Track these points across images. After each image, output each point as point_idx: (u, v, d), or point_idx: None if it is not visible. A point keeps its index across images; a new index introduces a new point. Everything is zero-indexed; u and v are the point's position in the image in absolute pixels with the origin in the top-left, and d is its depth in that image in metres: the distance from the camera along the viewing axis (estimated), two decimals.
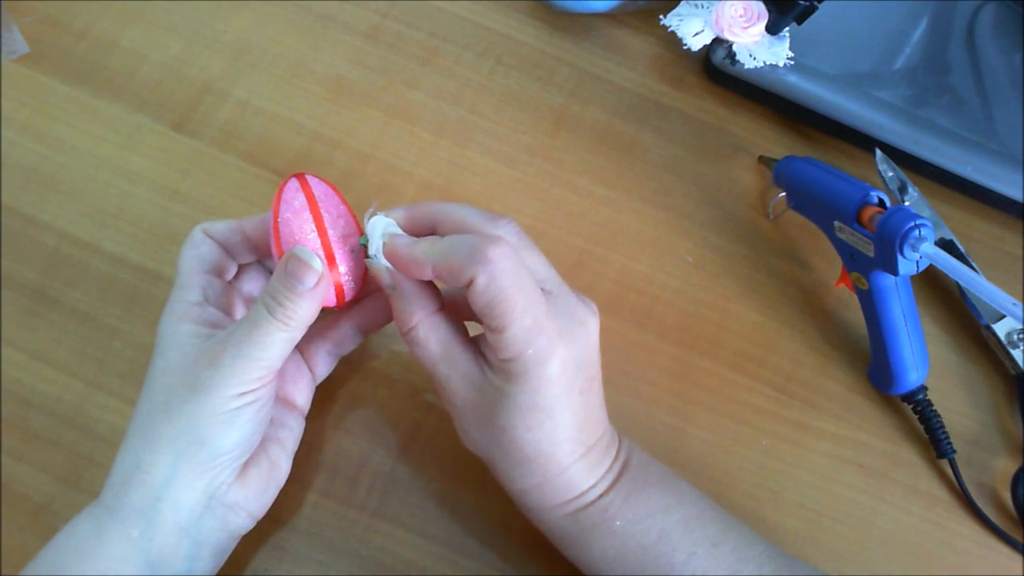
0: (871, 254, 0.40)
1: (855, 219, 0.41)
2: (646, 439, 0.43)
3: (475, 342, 0.35)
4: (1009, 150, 0.47)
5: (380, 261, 0.35)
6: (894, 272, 0.40)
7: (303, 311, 0.33)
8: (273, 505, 0.37)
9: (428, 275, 0.33)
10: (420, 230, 0.35)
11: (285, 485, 0.37)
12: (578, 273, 0.46)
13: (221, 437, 0.33)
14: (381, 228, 0.35)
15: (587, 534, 0.35)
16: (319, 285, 0.34)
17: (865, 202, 0.41)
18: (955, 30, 0.51)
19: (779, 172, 0.47)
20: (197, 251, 0.37)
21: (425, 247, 0.33)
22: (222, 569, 0.36)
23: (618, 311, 0.46)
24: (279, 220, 0.35)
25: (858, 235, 0.41)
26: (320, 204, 0.36)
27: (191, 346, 0.34)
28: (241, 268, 0.40)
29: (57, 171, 0.46)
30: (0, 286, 0.44)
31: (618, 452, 0.36)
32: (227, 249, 0.38)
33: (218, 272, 0.38)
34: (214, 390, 0.32)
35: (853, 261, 0.42)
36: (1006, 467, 0.44)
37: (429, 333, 0.34)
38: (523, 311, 0.31)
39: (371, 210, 0.36)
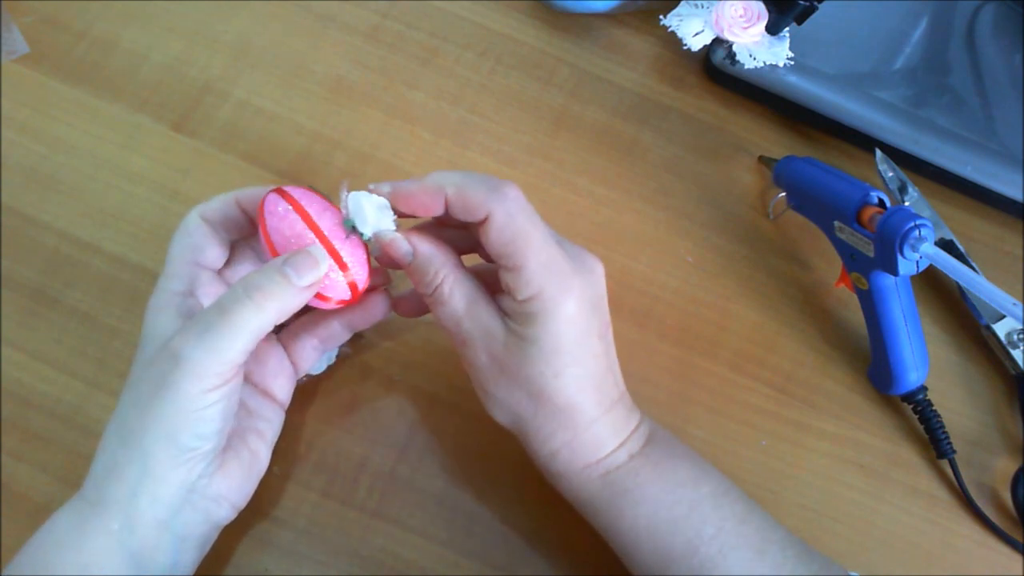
0: (871, 254, 0.40)
1: (855, 219, 0.41)
2: None
3: (494, 300, 0.35)
4: (1009, 150, 0.47)
5: (387, 234, 0.35)
6: (894, 272, 0.40)
7: (289, 301, 0.33)
8: (273, 504, 0.37)
9: (439, 208, 0.34)
10: (417, 206, 0.35)
11: (285, 485, 0.38)
12: None
13: (187, 433, 0.32)
14: (374, 204, 0.34)
15: (619, 500, 0.35)
16: (313, 285, 0.33)
17: (865, 202, 0.41)
18: (955, 30, 0.51)
19: (779, 172, 0.47)
20: (190, 240, 0.36)
21: (438, 177, 0.34)
22: (223, 569, 0.36)
23: (618, 311, 0.46)
24: (268, 231, 0.35)
25: (858, 235, 0.41)
26: (303, 203, 0.35)
27: (164, 339, 0.33)
28: (231, 257, 0.39)
29: (57, 171, 0.46)
30: (0, 286, 0.44)
31: (640, 420, 0.37)
32: (224, 226, 0.37)
33: (209, 263, 0.37)
34: (179, 387, 0.31)
35: (853, 261, 0.42)
36: (1006, 467, 0.44)
37: (454, 289, 0.34)
38: (539, 248, 0.32)
39: (344, 190, 0.35)
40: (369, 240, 0.35)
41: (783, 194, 0.46)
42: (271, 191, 0.36)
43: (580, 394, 0.34)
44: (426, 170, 0.47)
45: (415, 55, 0.50)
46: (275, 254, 0.34)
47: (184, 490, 0.33)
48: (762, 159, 0.49)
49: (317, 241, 0.34)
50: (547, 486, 0.42)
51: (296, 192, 0.36)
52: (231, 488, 0.35)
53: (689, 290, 0.47)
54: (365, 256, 0.36)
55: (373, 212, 0.34)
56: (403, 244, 0.35)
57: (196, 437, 0.32)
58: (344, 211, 0.35)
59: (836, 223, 0.42)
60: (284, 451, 0.39)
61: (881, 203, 0.41)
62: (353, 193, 0.35)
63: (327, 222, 0.35)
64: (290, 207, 0.35)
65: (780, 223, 0.48)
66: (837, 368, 0.45)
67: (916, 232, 0.38)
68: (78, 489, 0.40)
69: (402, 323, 0.44)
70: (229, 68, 0.49)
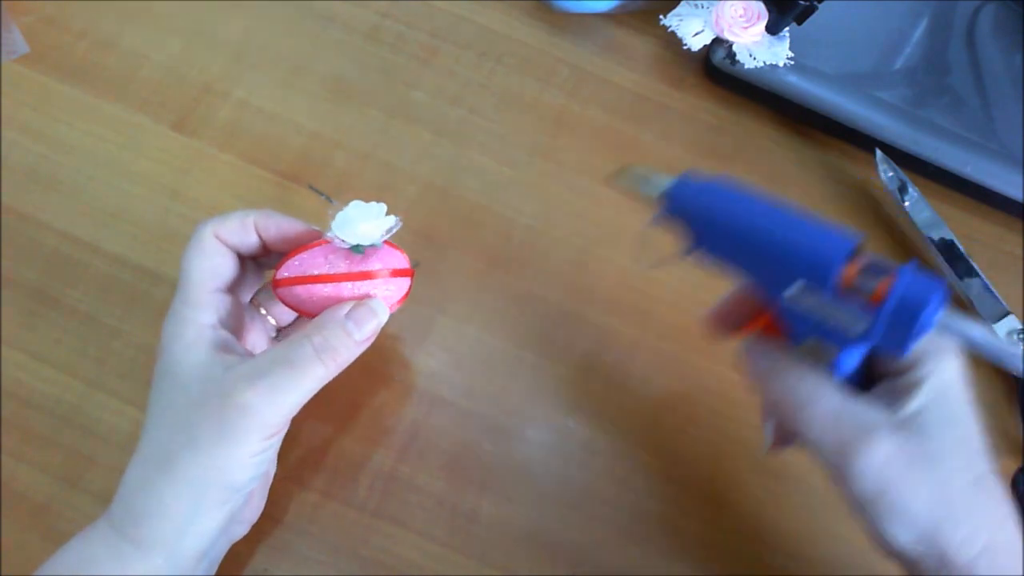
0: (860, 328, 0.29)
1: (834, 283, 0.29)
2: (647, 440, 0.43)
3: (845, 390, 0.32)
4: (1009, 150, 0.47)
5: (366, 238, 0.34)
6: (902, 352, 0.30)
7: (352, 356, 0.34)
8: (274, 505, 0.37)
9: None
10: None
11: (287, 485, 0.38)
12: (578, 273, 0.46)
13: (243, 477, 0.33)
14: (359, 215, 0.34)
15: None
16: (372, 336, 0.34)
17: (851, 255, 0.30)
18: (955, 30, 0.51)
19: (677, 202, 0.32)
20: (210, 263, 0.34)
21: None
22: (223, 570, 0.36)
23: (618, 311, 0.46)
24: (305, 309, 0.35)
25: (836, 307, 0.30)
26: (306, 270, 0.34)
27: (212, 380, 0.32)
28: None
29: (57, 171, 0.46)
30: (0, 286, 0.44)
31: None
32: (238, 247, 0.36)
33: (230, 287, 0.36)
34: (243, 437, 0.31)
35: (805, 327, 0.31)
36: (1006, 467, 0.44)
37: (826, 390, 0.31)
38: None
39: (330, 232, 0.34)
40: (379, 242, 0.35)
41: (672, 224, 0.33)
42: (274, 289, 0.35)
43: (983, 478, 0.30)
44: (426, 170, 0.48)
45: (415, 55, 0.50)
46: (316, 313, 0.35)
47: (225, 523, 0.33)
48: (620, 176, 0.33)
49: (349, 284, 0.34)
50: (546, 486, 0.42)
51: (290, 269, 0.35)
52: (252, 509, 0.37)
53: (689, 290, 0.47)
54: (387, 246, 0.35)
55: (365, 223, 0.34)
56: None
57: (251, 480, 0.33)
58: (341, 242, 0.34)
59: (795, 287, 0.30)
60: (284, 451, 0.39)
61: (858, 251, 0.30)
62: (336, 219, 0.34)
63: (339, 260, 0.34)
64: (303, 285, 0.34)
65: None
66: None
67: (937, 311, 0.29)
68: (78, 489, 0.40)
69: (401, 323, 0.44)
70: (229, 68, 0.49)
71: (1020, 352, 0.29)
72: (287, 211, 0.46)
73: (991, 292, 0.45)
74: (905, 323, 0.29)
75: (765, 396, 0.33)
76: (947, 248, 0.46)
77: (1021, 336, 0.44)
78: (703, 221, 0.31)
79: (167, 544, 0.32)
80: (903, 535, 0.30)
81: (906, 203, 0.46)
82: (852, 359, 0.31)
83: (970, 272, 0.45)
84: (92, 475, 0.41)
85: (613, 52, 0.52)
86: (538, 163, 0.49)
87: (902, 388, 0.31)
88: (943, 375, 0.31)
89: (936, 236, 0.46)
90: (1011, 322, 0.44)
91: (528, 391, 0.43)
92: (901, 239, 0.48)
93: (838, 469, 0.31)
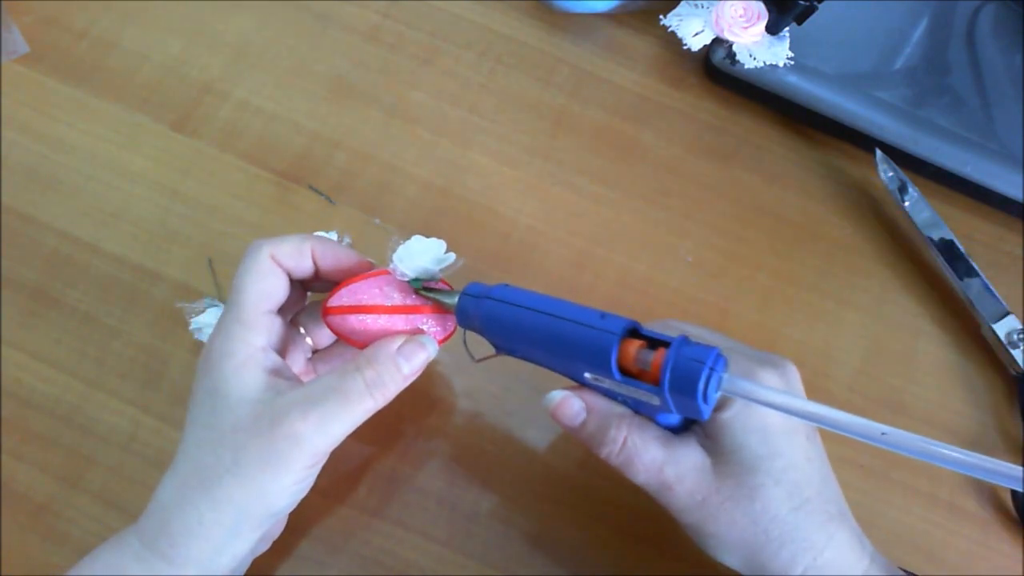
0: (654, 401, 0.31)
1: (619, 370, 0.31)
2: None
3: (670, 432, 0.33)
4: (1009, 150, 0.47)
5: (553, 399, 0.34)
6: (701, 418, 0.31)
7: (398, 390, 0.33)
8: None
9: None
10: None
11: None
12: (578, 273, 0.46)
13: (284, 503, 0.33)
14: (419, 249, 0.34)
15: None
16: (419, 370, 0.34)
17: (624, 338, 0.31)
18: (955, 30, 0.51)
19: (463, 315, 0.34)
20: (265, 284, 0.34)
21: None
22: None
23: (618, 311, 0.45)
24: (358, 341, 0.35)
25: (629, 386, 0.31)
26: (362, 299, 0.34)
27: (262, 403, 0.32)
28: None
29: (57, 171, 0.46)
30: (0, 286, 0.44)
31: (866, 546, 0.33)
32: (292, 271, 0.35)
33: (280, 308, 0.35)
34: (291, 465, 0.31)
35: (619, 399, 0.33)
36: None
37: (644, 436, 0.32)
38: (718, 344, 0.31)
39: (395, 239, 0.34)
40: (437, 274, 0.35)
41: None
42: (324, 316, 0.35)
43: (807, 503, 0.31)
44: (426, 170, 0.48)
45: (415, 55, 0.50)
46: (366, 345, 0.35)
47: (257, 541, 0.34)
48: (423, 290, 0.35)
49: (402, 317, 0.35)
50: (546, 486, 0.42)
51: (344, 297, 0.35)
52: (278, 528, 0.37)
53: (689, 290, 0.47)
54: (440, 283, 0.36)
55: (424, 256, 0.34)
56: (574, 403, 0.33)
57: (289, 505, 0.34)
58: (402, 275, 0.34)
59: (588, 375, 0.32)
60: None
61: (635, 333, 0.32)
62: (398, 252, 0.34)
63: (393, 292, 0.35)
64: (356, 315, 0.34)
65: (775, 223, 0.48)
66: (837, 369, 0.45)
67: (714, 375, 0.30)
68: (78, 489, 0.40)
69: None
70: (229, 68, 0.49)
71: (812, 407, 0.29)
72: (287, 211, 0.46)
73: (991, 292, 0.45)
74: (687, 394, 0.29)
75: (587, 441, 0.34)
76: (947, 248, 0.46)
77: (1021, 336, 0.44)
78: (491, 330, 0.34)
79: (202, 563, 0.32)
80: (727, 559, 0.33)
81: (906, 203, 0.47)
82: (670, 417, 0.33)
83: (970, 272, 0.45)
84: (92, 475, 0.41)
85: (613, 52, 0.52)
86: (538, 163, 0.49)
87: (719, 425, 0.32)
88: (760, 411, 0.31)
89: (936, 236, 0.46)
90: (1011, 322, 0.44)
91: (528, 391, 0.43)
92: (901, 239, 0.48)
93: (664, 505, 0.33)
